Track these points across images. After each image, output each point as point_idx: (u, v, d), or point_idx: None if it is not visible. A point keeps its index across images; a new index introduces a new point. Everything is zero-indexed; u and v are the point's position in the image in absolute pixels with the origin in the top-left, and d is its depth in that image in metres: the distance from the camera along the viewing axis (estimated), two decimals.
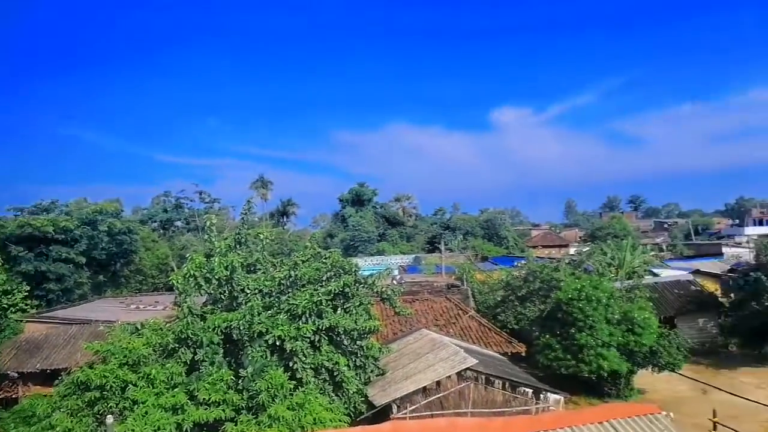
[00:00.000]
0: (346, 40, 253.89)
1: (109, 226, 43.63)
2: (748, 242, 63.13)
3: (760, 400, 20.15)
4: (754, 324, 28.82)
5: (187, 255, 21.08)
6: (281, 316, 17.14)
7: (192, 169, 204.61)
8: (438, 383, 17.19)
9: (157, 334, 17.32)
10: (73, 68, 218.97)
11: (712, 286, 36.30)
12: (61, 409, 15.27)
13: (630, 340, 23.30)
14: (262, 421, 14.24)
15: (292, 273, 18.59)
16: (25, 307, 30.79)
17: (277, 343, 16.33)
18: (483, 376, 17.58)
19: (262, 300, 17.94)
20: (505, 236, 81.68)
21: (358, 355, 18.26)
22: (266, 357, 16.29)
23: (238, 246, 20.11)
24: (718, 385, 22.61)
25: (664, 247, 77.84)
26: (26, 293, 31.63)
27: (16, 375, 23.82)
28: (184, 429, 14.15)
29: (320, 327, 16.94)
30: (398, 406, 16.82)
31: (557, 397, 18.44)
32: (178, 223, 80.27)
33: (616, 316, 23.73)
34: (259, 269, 20.06)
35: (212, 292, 18.44)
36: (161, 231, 75.35)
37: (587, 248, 42.82)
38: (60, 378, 17.00)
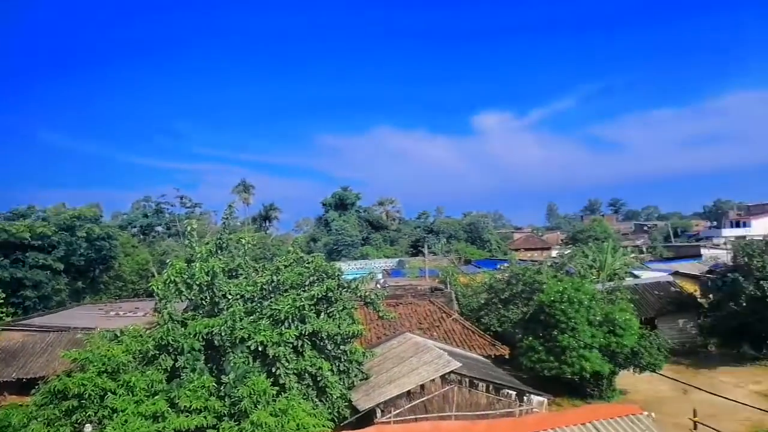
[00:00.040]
0: (327, 43, 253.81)
1: (87, 231, 42.91)
2: (725, 244, 64.29)
3: (739, 399, 20.47)
4: (732, 324, 29.27)
5: (168, 260, 20.83)
6: (264, 322, 16.99)
7: (173, 174, 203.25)
8: (422, 387, 17.17)
9: (137, 341, 17.05)
10: (50, 72, 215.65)
11: (691, 288, 36.80)
12: (38, 419, 14.91)
13: (612, 342, 23.50)
14: (245, 428, 14.07)
15: (275, 278, 18.45)
16: (1, 315, 30.14)
17: (260, 349, 16.16)
18: (467, 379, 17.60)
19: (244, 305, 17.78)
20: (488, 239, 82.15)
21: (342, 359, 18.17)
22: (248, 363, 16.12)
23: (219, 251, 19.92)
24: (698, 384, 22.93)
25: (644, 249, 78.87)
26: (2, 301, 30.98)
27: None
28: None
29: (303, 332, 16.83)
30: (382, 411, 16.76)
31: (540, 398, 18.52)
32: (159, 229, 79.38)
33: (597, 318, 23.93)
34: (241, 274, 19.88)
35: (193, 297, 18.23)
36: (141, 236, 74.45)
37: (569, 251, 43.17)
38: (37, 387, 16.61)
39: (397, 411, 16.79)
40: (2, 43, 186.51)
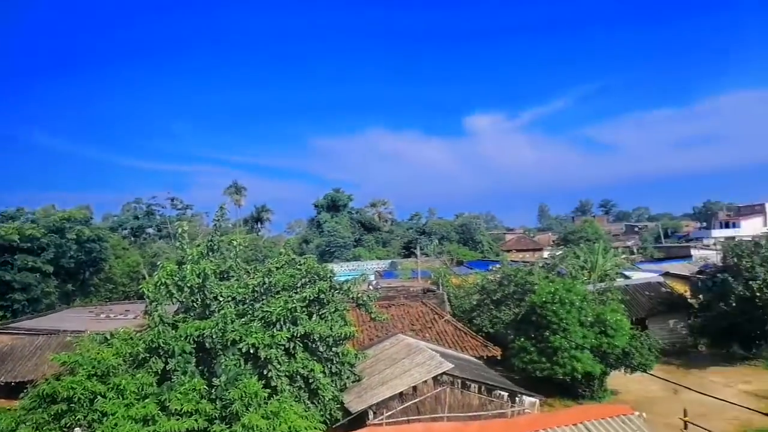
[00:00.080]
0: (319, 46, 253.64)
1: (77, 233, 42.59)
2: (715, 244, 64.70)
3: (728, 399, 20.57)
4: (722, 324, 29.48)
5: (159, 263, 20.72)
6: (255, 324, 16.92)
7: (164, 176, 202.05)
8: (414, 388, 17.17)
9: (127, 343, 16.91)
10: (39, 74, 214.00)
11: (681, 288, 37.04)
12: (26, 423, 14.78)
13: (603, 342, 23.61)
14: (236, 431, 13.99)
15: (266, 280, 18.39)
16: None
17: (251, 351, 16.09)
18: (459, 380, 17.61)
19: (235, 307, 17.70)
20: (480, 241, 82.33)
21: (334, 361, 18.12)
22: (240, 365, 16.04)
23: (210, 253, 19.83)
24: (688, 384, 23.01)
25: (635, 250, 79.36)
26: None
27: None
28: None
29: (295, 334, 16.77)
30: (374, 412, 16.73)
31: (532, 399, 18.57)
32: (150, 230, 79.00)
33: (589, 319, 24.04)
34: (233, 276, 19.79)
35: (184, 300, 18.13)
36: (132, 238, 74.04)
37: (560, 252, 43.34)
38: (25, 391, 16.45)
39: (390, 413, 16.77)
40: None
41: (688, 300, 34.96)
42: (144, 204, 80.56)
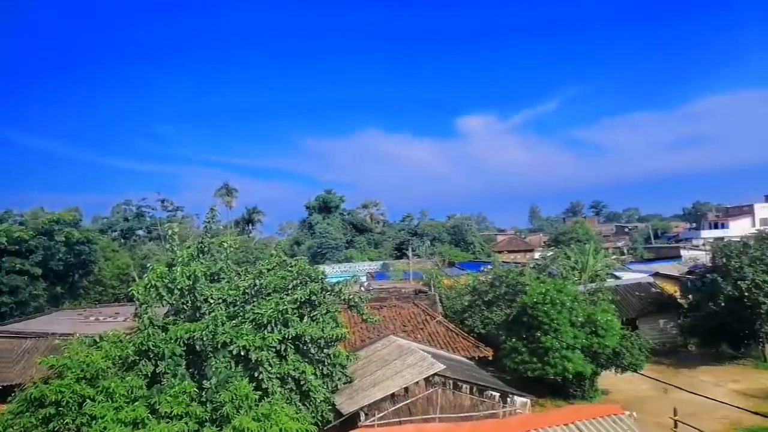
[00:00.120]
0: (311, 47, 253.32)
1: (66, 235, 42.16)
2: (704, 245, 65.28)
3: (718, 398, 20.73)
4: (711, 324, 29.70)
5: (149, 265, 20.57)
6: (246, 326, 16.84)
7: (155, 177, 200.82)
8: (406, 389, 17.15)
9: (116, 346, 16.76)
10: (26, 74, 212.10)
11: (671, 288, 37.29)
12: (14, 427, 14.59)
13: (594, 342, 23.71)
14: None
15: (257, 282, 18.31)
16: None
17: (242, 354, 16.01)
18: (450, 381, 17.61)
19: (226, 310, 17.61)
20: (471, 242, 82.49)
21: (326, 363, 18.07)
22: (231, 368, 15.96)
23: (201, 255, 19.71)
24: (678, 384, 23.17)
25: (625, 251, 79.83)
26: None
27: None
28: None
29: (286, 336, 16.70)
30: (366, 414, 16.70)
31: (524, 399, 18.61)
32: (140, 232, 78.40)
33: (580, 319, 24.14)
34: (223, 278, 19.69)
35: (174, 302, 18.01)
36: (122, 240, 73.46)
37: (551, 253, 43.49)
38: (13, 395, 16.26)
39: (381, 414, 16.74)
40: None
41: (678, 300, 35.20)
42: (134, 206, 79.95)
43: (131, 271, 48.75)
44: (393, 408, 16.90)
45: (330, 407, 17.29)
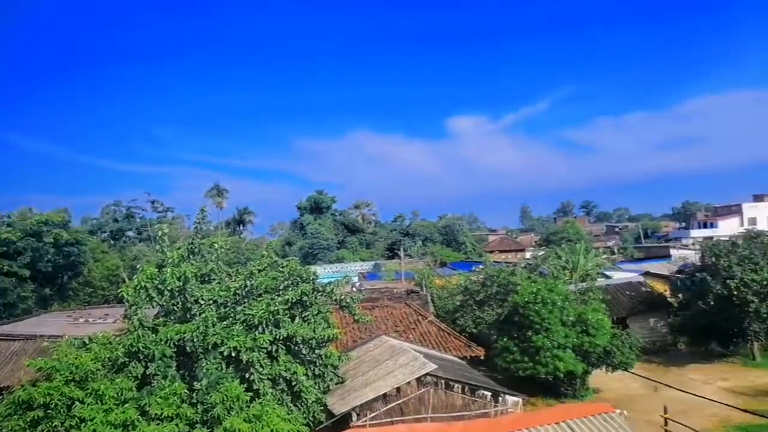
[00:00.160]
0: (303, 48, 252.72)
1: (55, 237, 41.78)
2: (693, 244, 65.77)
3: (707, 396, 20.94)
4: (700, 323, 29.95)
5: (139, 266, 20.40)
6: (237, 327, 16.75)
7: (145, 178, 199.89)
8: (398, 389, 17.13)
9: (106, 348, 16.59)
10: (25, 76, 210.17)
11: (661, 287, 37.55)
12: (2, 431, 14.44)
13: (585, 341, 23.81)
14: None
15: (248, 282, 18.20)
16: None
17: (233, 355, 15.91)
18: (442, 381, 17.61)
19: (216, 311, 17.48)
20: (463, 242, 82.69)
21: (317, 364, 18.01)
22: (221, 369, 15.85)
23: (191, 256, 19.56)
24: (668, 382, 23.38)
25: (616, 250, 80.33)
26: None
27: None
28: None
29: (277, 337, 16.62)
30: (358, 414, 16.67)
31: (515, 399, 18.64)
32: (130, 233, 77.90)
33: (571, 318, 24.23)
34: (214, 279, 19.55)
35: (164, 303, 17.87)
36: (112, 242, 72.95)
37: (542, 252, 43.70)
38: (1, 398, 16.10)
39: (373, 414, 16.71)
40: None
41: (668, 299, 35.47)
42: (124, 207, 79.43)
43: (121, 272, 48.40)
44: (385, 408, 16.88)
45: (322, 408, 17.24)
